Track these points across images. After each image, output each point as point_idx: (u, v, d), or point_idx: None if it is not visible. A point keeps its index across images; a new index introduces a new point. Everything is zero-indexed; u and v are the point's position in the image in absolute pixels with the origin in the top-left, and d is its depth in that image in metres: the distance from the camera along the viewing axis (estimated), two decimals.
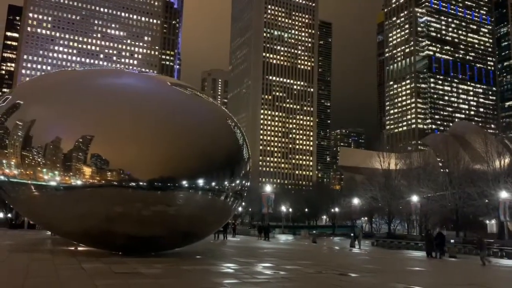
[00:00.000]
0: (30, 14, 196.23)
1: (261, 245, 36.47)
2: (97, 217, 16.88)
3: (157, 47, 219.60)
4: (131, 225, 16.94)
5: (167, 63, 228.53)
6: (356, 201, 79.07)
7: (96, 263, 15.04)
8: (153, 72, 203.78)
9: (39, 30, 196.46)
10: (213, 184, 18.79)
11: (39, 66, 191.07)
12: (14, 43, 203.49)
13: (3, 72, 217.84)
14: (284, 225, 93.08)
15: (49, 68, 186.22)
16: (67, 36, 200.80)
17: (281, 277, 14.09)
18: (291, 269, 16.45)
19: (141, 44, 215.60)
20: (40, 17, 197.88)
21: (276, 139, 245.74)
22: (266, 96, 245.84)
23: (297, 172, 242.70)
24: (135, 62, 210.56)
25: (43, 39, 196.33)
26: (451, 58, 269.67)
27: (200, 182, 18.24)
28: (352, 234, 43.57)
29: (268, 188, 66.05)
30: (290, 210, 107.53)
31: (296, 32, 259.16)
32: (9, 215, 62.82)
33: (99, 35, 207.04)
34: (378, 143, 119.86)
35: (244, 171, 21.03)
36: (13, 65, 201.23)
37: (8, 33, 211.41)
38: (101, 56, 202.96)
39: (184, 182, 17.68)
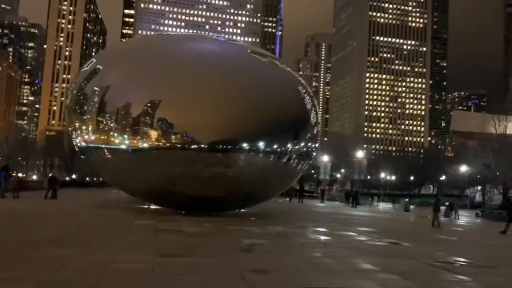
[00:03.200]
0: None
1: (343, 211, 35.46)
2: (161, 178, 17.89)
3: (259, 15, 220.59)
4: (192, 185, 17.67)
5: (270, 30, 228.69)
6: (464, 168, 72.44)
7: (149, 220, 16.02)
8: (255, 39, 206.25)
9: (151, 6, 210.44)
10: (275, 146, 18.79)
11: None
12: (131, 20, 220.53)
13: None
14: (384, 193, 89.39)
15: None
16: (175, 10, 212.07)
17: (321, 242, 13.54)
18: (340, 235, 15.81)
19: (244, 12, 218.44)
20: None
21: (383, 103, 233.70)
22: (373, 58, 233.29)
23: (406, 138, 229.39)
24: (239, 31, 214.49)
25: (155, 14, 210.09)
26: None
27: (261, 144, 18.40)
28: (447, 204, 40.25)
29: (360, 154, 63.64)
30: (393, 177, 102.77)
31: None
32: None
33: (204, 6, 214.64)
34: (502, 106, 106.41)
35: (311, 134, 20.69)
36: None
37: (126, 11, 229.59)
38: (207, 27, 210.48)
39: (245, 145, 17.96)
